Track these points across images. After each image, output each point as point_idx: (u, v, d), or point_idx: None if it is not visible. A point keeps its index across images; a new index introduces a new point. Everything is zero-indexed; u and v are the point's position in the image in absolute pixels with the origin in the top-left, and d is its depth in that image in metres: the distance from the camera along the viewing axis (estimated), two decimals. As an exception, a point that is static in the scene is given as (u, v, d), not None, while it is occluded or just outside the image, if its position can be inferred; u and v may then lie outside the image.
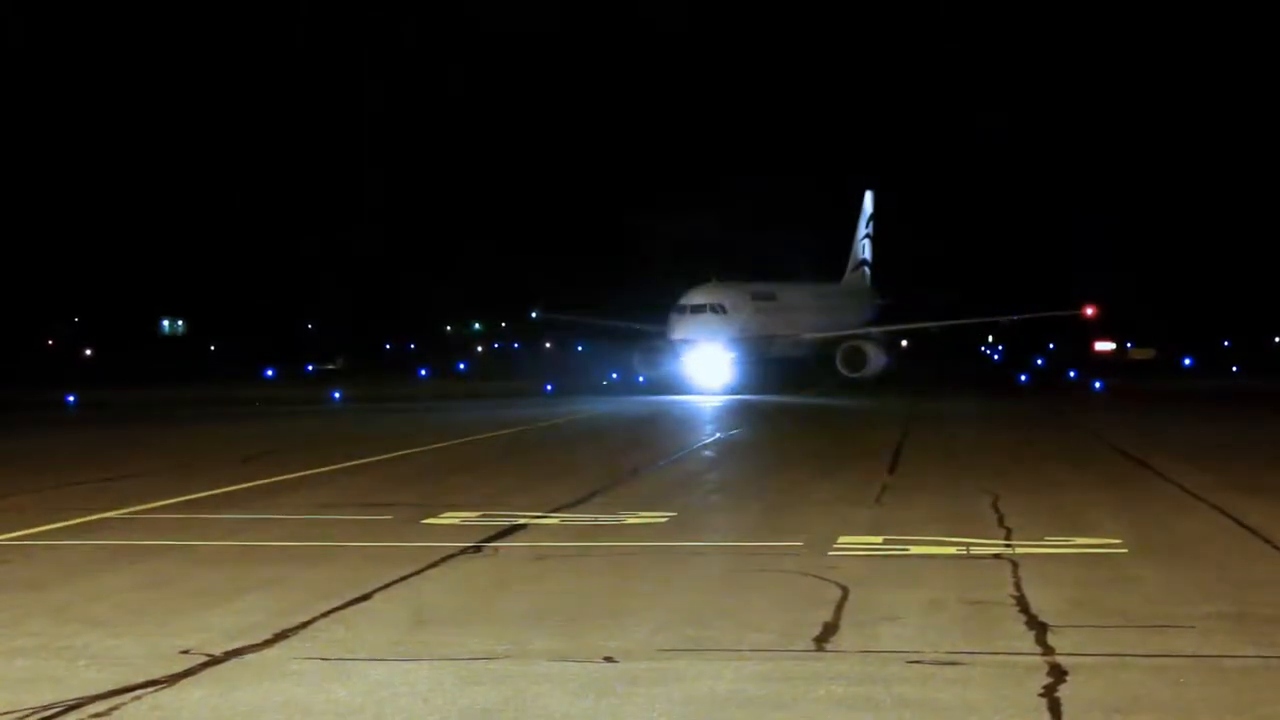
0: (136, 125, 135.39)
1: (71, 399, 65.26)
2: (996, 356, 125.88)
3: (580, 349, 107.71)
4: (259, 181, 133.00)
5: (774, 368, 74.06)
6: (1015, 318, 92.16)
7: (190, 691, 10.97)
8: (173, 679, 11.26)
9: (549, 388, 70.93)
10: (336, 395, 65.64)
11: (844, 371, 71.68)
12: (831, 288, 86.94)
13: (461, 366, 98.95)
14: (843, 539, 18.67)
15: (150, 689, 10.95)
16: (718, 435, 40.68)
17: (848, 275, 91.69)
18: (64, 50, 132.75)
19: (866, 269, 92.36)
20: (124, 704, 10.55)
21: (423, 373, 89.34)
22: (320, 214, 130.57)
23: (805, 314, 77.09)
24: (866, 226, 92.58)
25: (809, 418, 49.76)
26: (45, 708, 10.43)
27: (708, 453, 34.83)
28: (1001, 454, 32.50)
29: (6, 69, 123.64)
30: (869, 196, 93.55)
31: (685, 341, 66.94)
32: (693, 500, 23.93)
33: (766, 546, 18.57)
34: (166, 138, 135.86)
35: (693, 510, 22.40)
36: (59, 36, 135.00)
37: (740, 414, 50.78)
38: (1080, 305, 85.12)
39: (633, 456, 32.80)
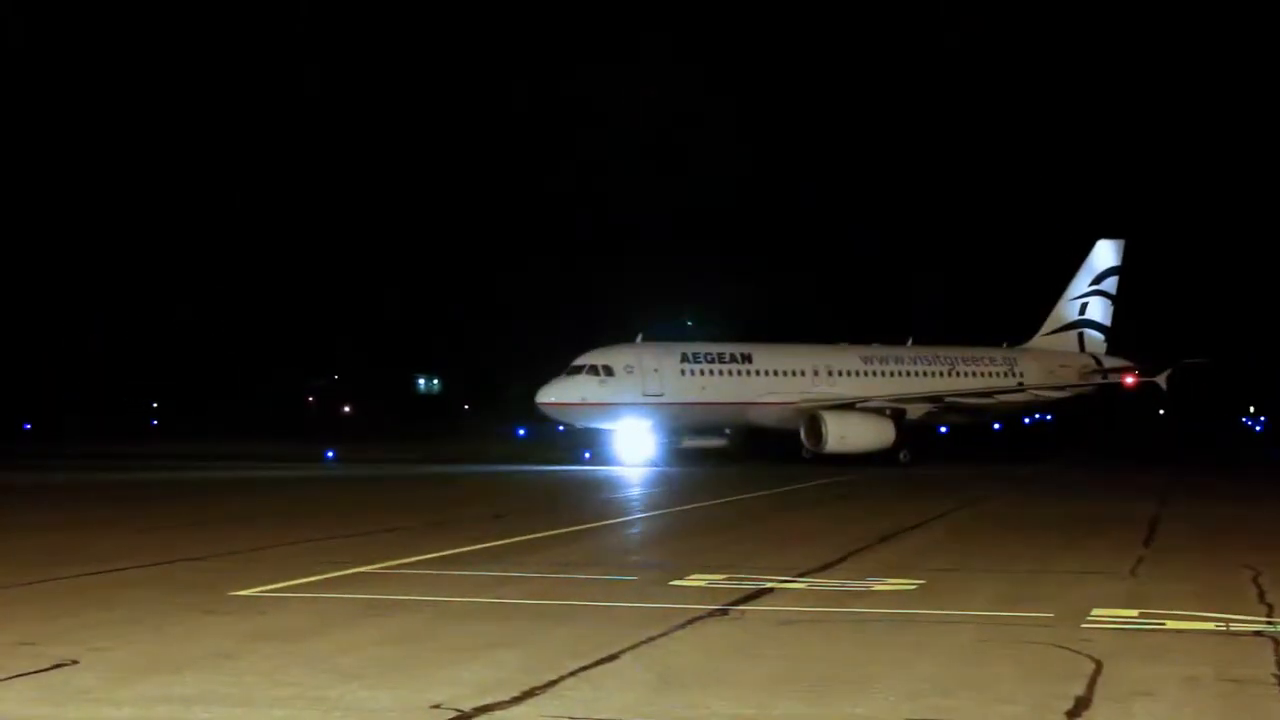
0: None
1: (331, 454, 66.96)
2: (1259, 428, 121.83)
3: None
4: (501, 242, 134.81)
5: (769, 440, 66.83)
6: (1040, 389, 74.89)
7: (440, 746, 11.13)
8: (423, 733, 11.43)
9: None
10: (586, 455, 66.23)
11: (806, 445, 62.88)
12: (946, 352, 73.70)
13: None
14: (1096, 611, 18.27)
15: (401, 742, 11.13)
16: None
17: (1039, 338, 79.39)
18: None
19: (1090, 331, 79.88)
20: (376, 756, 10.74)
21: None
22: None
23: (812, 380, 67.01)
24: (1098, 282, 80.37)
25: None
26: (301, 757, 10.67)
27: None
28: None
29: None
30: (1106, 248, 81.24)
31: (545, 406, 60.90)
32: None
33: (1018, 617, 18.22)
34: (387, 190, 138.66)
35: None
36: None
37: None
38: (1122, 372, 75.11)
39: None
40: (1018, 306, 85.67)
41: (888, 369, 70.44)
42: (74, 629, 16.34)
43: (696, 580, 21.23)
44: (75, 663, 14.18)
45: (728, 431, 66.98)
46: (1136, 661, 14.77)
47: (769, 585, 20.70)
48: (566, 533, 29.40)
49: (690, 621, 17.31)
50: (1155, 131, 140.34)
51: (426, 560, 23.78)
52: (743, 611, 18.31)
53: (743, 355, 65.89)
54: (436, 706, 12.31)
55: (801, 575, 21.96)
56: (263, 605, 18.66)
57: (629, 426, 62.35)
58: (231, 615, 17.69)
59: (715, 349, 65.59)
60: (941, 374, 71.94)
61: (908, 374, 70.82)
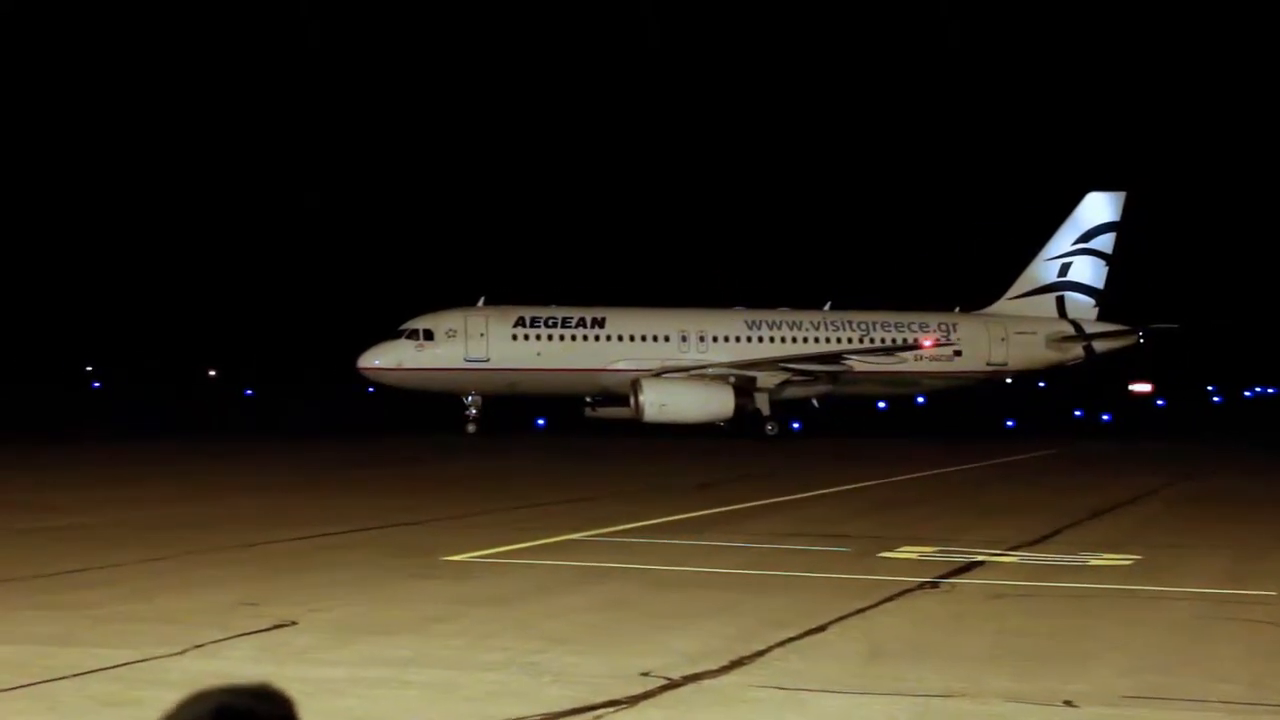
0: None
1: (541, 422, 67.58)
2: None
3: None
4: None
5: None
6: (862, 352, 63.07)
7: (649, 713, 11.16)
8: (633, 700, 11.47)
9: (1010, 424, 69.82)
10: (796, 425, 66.03)
11: (634, 414, 57.86)
12: (863, 317, 65.30)
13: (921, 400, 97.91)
14: (1319, 590, 17.77)
15: (611, 709, 11.18)
16: None
17: (1004, 302, 69.46)
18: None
19: (1073, 294, 69.36)
20: (586, 722, 10.81)
21: (881, 405, 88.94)
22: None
23: (679, 346, 61.17)
24: (1087, 239, 69.75)
25: None
26: (512, 721, 10.78)
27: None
28: None
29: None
30: (1099, 201, 70.35)
31: (365, 370, 58.23)
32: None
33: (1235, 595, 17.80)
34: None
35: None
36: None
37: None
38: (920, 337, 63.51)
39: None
40: (1001, 269, 74.21)
41: (779, 335, 63.41)
42: (293, 590, 16.70)
43: (907, 552, 21.07)
44: (294, 623, 14.50)
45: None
46: (1363, 642, 14.34)
47: (980, 559, 20.47)
48: (773, 503, 29.36)
49: (900, 594, 17.18)
50: (1159, 76, 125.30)
51: (636, 528, 23.91)
52: (953, 585, 18.13)
53: (595, 319, 61.07)
54: (646, 674, 12.36)
55: (1013, 549, 21.69)
56: (474, 570, 18.92)
57: (459, 393, 59.84)
58: (444, 580, 17.96)
59: (563, 312, 60.99)
60: (850, 341, 63.90)
61: (805, 340, 63.58)
